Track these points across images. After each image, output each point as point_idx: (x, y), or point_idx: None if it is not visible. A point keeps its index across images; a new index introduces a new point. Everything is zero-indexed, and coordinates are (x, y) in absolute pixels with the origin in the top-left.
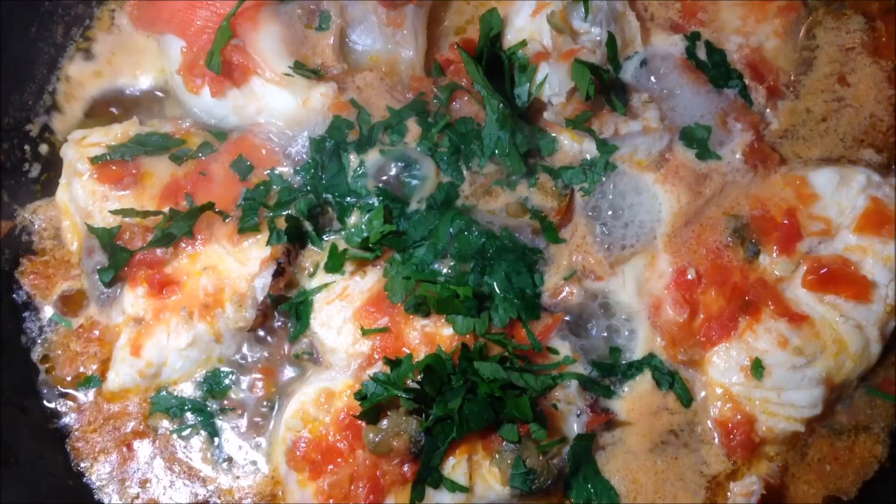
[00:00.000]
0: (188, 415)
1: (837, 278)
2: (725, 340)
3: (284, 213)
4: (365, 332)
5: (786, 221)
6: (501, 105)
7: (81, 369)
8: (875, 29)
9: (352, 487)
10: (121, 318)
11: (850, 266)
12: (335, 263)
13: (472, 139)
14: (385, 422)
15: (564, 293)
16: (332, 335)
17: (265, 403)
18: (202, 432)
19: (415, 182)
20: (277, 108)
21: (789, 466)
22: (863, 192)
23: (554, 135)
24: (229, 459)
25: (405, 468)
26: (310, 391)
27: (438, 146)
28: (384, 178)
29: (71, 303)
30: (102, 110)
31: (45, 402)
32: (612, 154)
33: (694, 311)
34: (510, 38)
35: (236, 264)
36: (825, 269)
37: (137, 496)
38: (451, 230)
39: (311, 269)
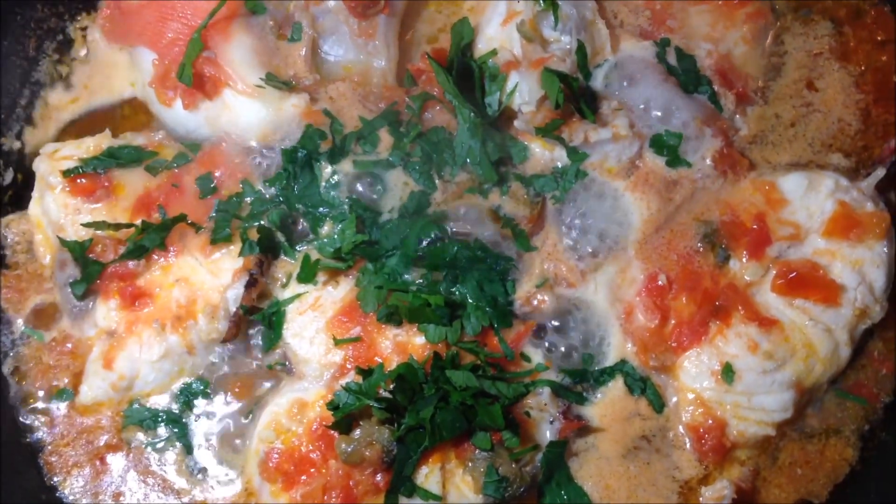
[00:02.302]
0: (161, 427)
1: (806, 282)
2: (696, 345)
3: (257, 223)
4: (337, 342)
5: (755, 226)
6: (472, 114)
7: (54, 382)
8: (843, 34)
9: (325, 498)
10: (93, 331)
11: (819, 270)
12: (307, 274)
13: (444, 148)
14: (357, 431)
15: (536, 301)
16: (305, 345)
17: (238, 415)
18: (176, 444)
19: (386, 191)
20: (250, 119)
21: (760, 470)
22: (831, 196)
23: (525, 143)
24: (203, 471)
25: (378, 478)
26: (282, 402)
27: (410, 155)
28: (355, 187)
29: (44, 316)
30: (75, 124)
31: (17, 417)
32: (582, 162)
33: (665, 316)
34: (481, 47)
35: (209, 276)
36: (794, 274)
37: None
38: (422, 239)
39: (284, 280)
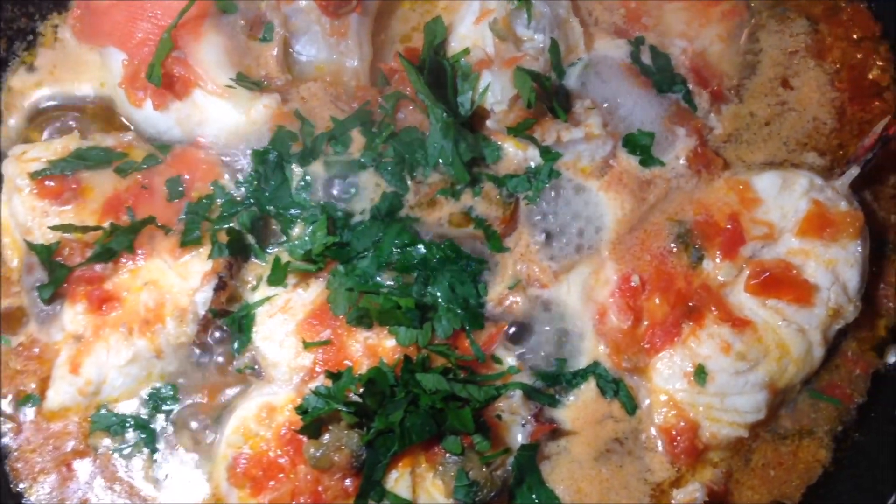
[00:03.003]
0: (129, 433)
1: (780, 282)
2: (669, 347)
3: (227, 226)
4: (307, 346)
5: (729, 226)
6: (445, 114)
7: (21, 388)
8: (818, 31)
9: (293, 503)
10: (60, 336)
11: (793, 270)
12: (278, 276)
13: (416, 149)
14: (326, 436)
15: (509, 302)
16: (275, 349)
17: (207, 419)
18: (143, 450)
19: (358, 192)
20: (220, 120)
21: (733, 472)
22: (805, 195)
23: (499, 143)
24: (171, 477)
25: (347, 482)
26: (251, 406)
27: (383, 156)
28: (327, 189)
29: (11, 320)
30: (47, 124)
31: None
32: (555, 161)
33: (638, 317)
34: (454, 46)
35: (178, 279)
36: (767, 274)
37: None
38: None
39: (254, 283)
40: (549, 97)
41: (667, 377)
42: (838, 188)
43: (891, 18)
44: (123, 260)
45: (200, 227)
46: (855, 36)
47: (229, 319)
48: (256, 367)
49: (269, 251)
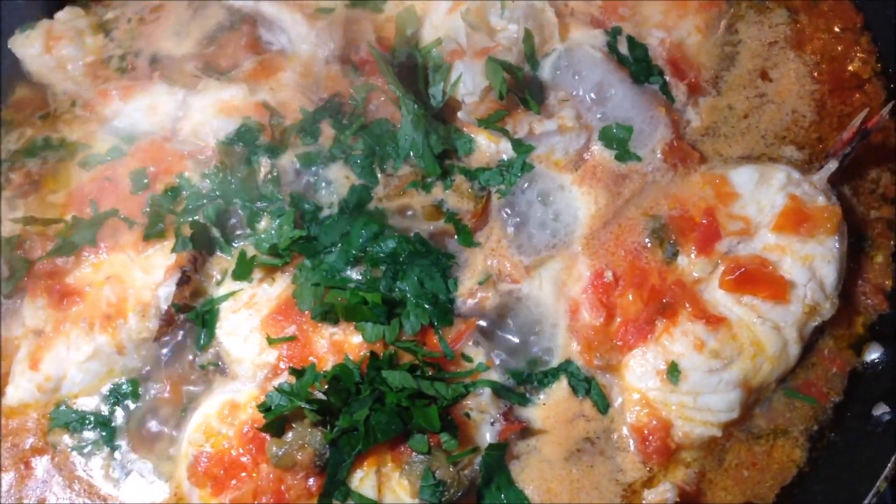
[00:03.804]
0: (89, 430)
1: (755, 279)
2: (642, 344)
3: (191, 219)
4: (271, 342)
5: (704, 221)
6: (416, 105)
7: None
8: (798, 22)
9: (255, 503)
10: (21, 331)
11: (768, 266)
12: (243, 271)
13: (387, 141)
14: (289, 434)
15: (479, 298)
16: (239, 345)
17: (169, 417)
18: (103, 448)
19: (326, 185)
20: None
21: (706, 472)
22: (782, 189)
23: (471, 135)
24: (131, 476)
25: (310, 482)
26: (213, 403)
27: (352, 148)
28: (295, 181)
29: None
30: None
31: None
32: (528, 154)
33: (611, 314)
34: (426, 37)
35: (141, 273)
36: (742, 270)
37: None
38: (364, 236)
39: (219, 277)
40: (521, 88)
41: (639, 375)
42: (816, 182)
43: (872, 9)
44: (86, 254)
45: (164, 220)
46: (836, 27)
47: (193, 314)
48: (220, 363)
49: (235, 245)
